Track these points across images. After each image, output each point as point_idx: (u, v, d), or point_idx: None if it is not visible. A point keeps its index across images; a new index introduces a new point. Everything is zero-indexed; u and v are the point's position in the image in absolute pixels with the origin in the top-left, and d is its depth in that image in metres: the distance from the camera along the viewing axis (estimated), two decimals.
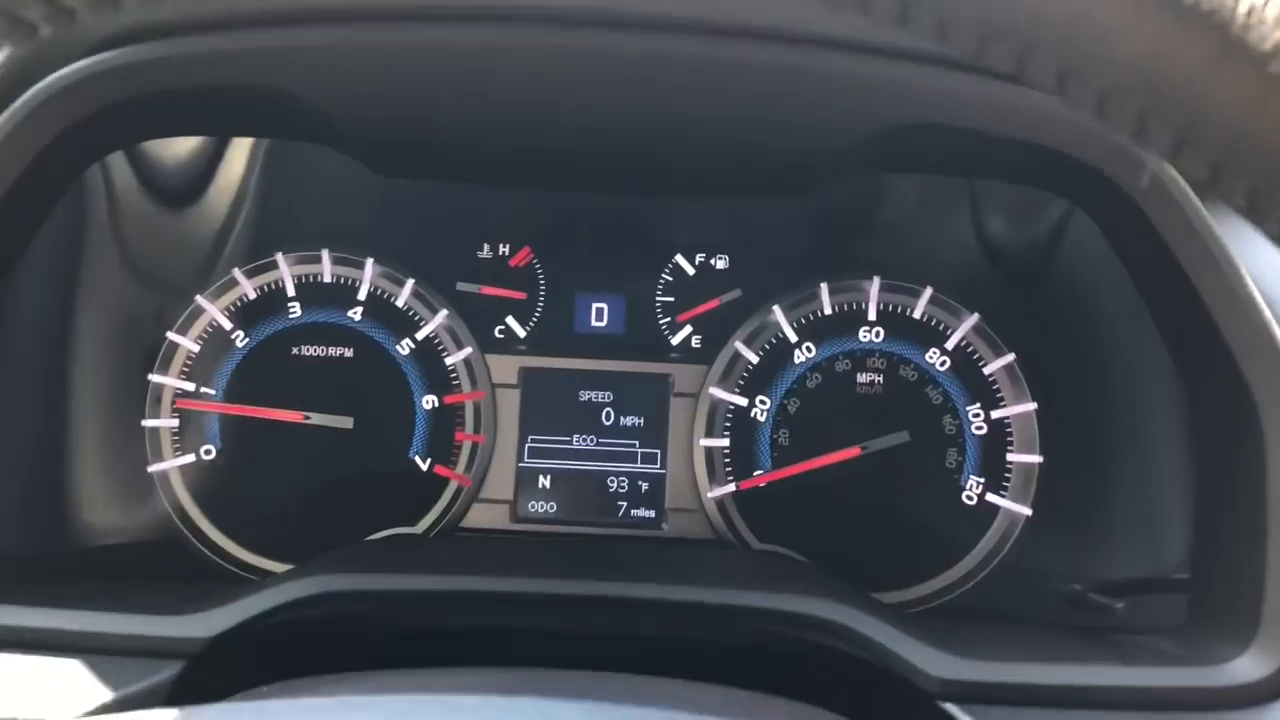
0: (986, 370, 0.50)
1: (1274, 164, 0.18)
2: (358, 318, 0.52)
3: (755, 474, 0.51)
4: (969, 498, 0.50)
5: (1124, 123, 0.18)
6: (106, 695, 0.33)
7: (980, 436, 0.51)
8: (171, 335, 0.51)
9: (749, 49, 0.34)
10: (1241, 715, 0.35)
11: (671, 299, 0.52)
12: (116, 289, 0.49)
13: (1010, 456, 0.50)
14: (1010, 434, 0.50)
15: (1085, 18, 0.17)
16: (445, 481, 0.51)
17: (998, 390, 0.50)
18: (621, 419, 0.52)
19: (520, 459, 0.52)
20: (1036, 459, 0.50)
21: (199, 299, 0.51)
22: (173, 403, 0.51)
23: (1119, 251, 0.41)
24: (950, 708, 0.35)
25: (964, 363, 0.51)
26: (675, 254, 0.52)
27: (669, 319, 0.52)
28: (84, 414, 0.48)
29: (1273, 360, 0.33)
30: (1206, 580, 0.41)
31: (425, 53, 0.37)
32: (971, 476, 0.50)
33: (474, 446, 0.52)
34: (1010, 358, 0.50)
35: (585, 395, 0.52)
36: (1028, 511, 0.50)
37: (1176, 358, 0.41)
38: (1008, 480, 0.50)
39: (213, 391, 0.51)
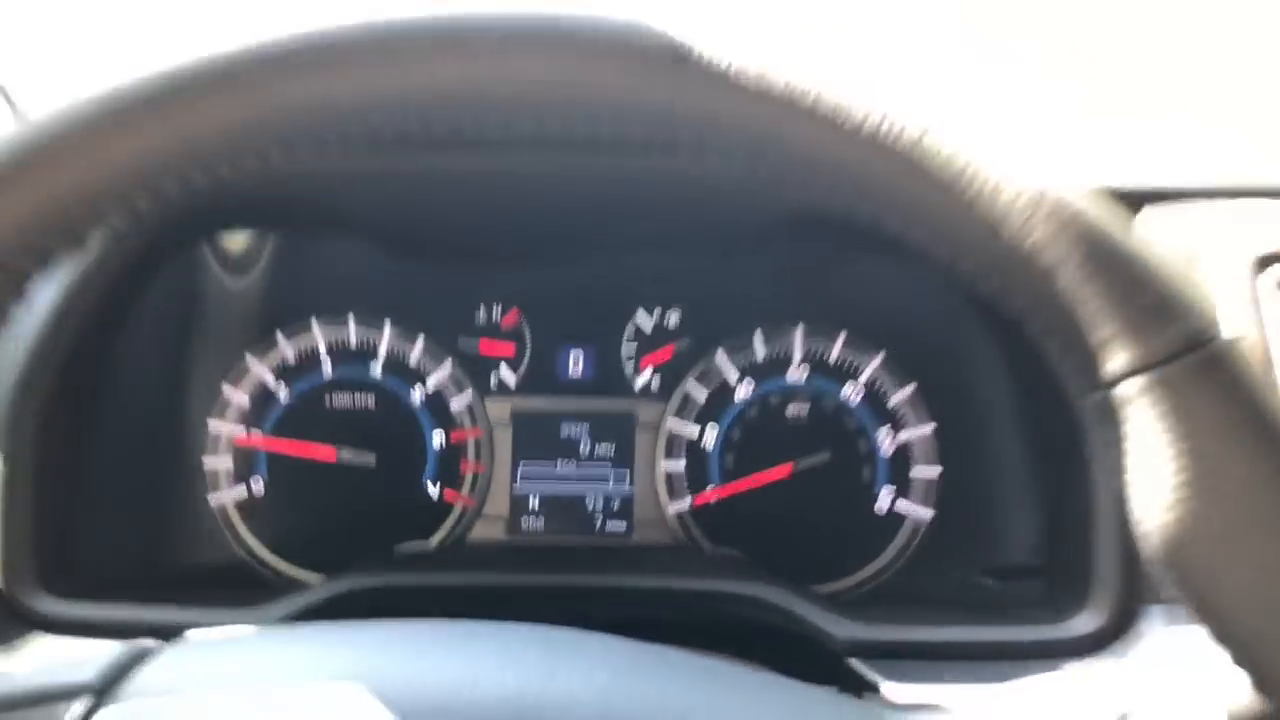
0: (892, 400, 0.62)
1: (920, 214, 0.25)
2: (378, 372, 0.64)
3: (707, 490, 0.63)
4: (881, 506, 0.62)
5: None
6: None
7: (888, 457, 0.62)
8: (225, 387, 0.63)
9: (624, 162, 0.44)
10: (1079, 660, 0.46)
11: (634, 346, 0.64)
12: (189, 344, 0.61)
13: (913, 471, 0.62)
14: (913, 451, 0.62)
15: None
16: (451, 506, 0.63)
17: (902, 415, 0.62)
18: (596, 448, 0.64)
19: (514, 483, 0.64)
20: (936, 471, 0.61)
21: (248, 357, 0.63)
22: (228, 444, 0.63)
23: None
24: (853, 662, 0.46)
25: (873, 394, 0.63)
26: (637, 309, 0.64)
27: (632, 364, 0.64)
28: (159, 453, 0.61)
29: None
30: (1056, 561, 0.53)
31: (467, 175, 0.50)
32: (883, 488, 0.62)
33: (475, 475, 0.63)
34: (911, 388, 0.62)
35: (566, 430, 0.64)
36: (930, 514, 0.61)
37: (1020, 380, 0.53)
38: (911, 490, 0.62)
39: (260, 434, 0.63)
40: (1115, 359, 0.27)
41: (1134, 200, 0.60)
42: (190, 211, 0.48)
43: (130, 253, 0.52)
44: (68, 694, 0.26)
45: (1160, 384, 0.26)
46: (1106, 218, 0.27)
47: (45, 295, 0.51)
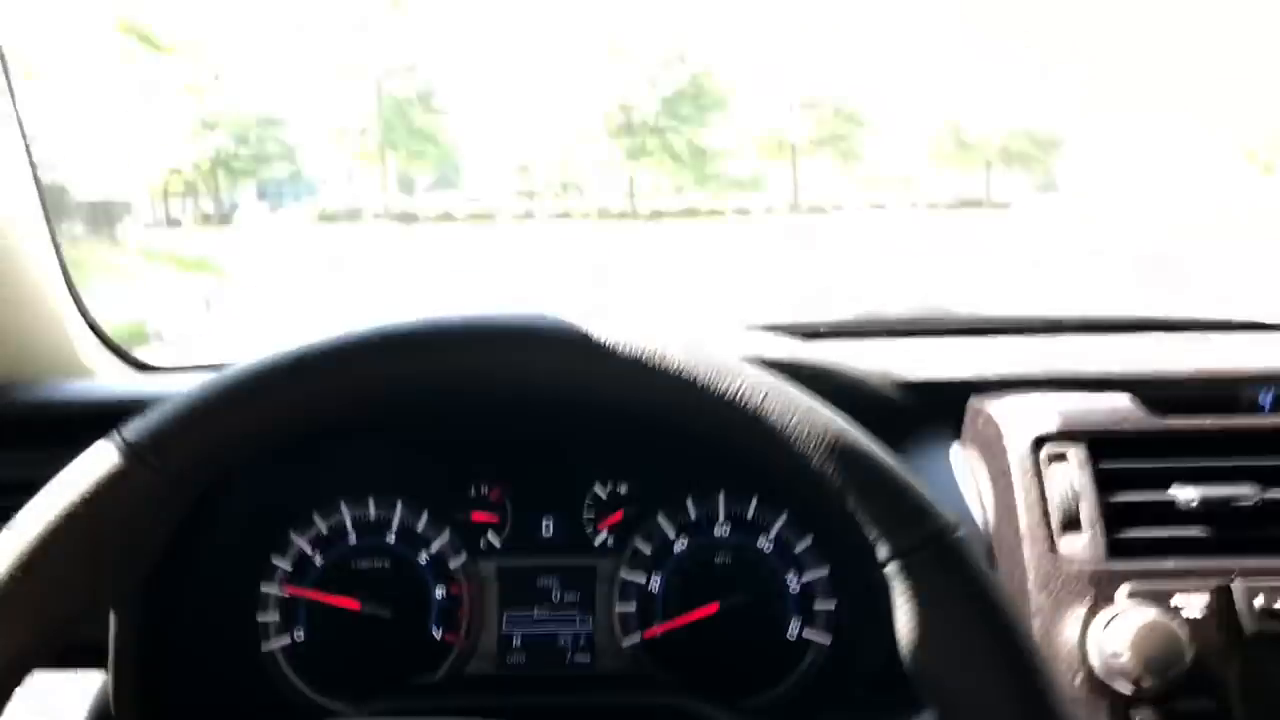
0: (796, 549, 0.80)
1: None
2: (393, 540, 0.82)
3: (654, 625, 0.80)
4: (791, 634, 0.79)
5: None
6: None
7: (795, 594, 0.80)
8: (274, 557, 0.81)
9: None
10: None
11: (593, 515, 0.82)
12: (246, 525, 0.80)
13: (816, 605, 0.79)
14: (815, 590, 0.80)
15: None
16: (451, 645, 0.81)
17: (804, 560, 0.80)
18: (565, 596, 0.81)
19: (500, 628, 0.81)
20: (831, 605, 0.79)
21: (291, 533, 0.81)
22: (275, 602, 0.81)
23: None
24: None
25: (781, 545, 0.81)
26: (594, 483, 0.83)
27: (592, 526, 0.82)
28: (225, 612, 0.78)
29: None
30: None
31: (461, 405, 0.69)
32: (792, 619, 0.79)
33: (470, 621, 0.81)
34: (810, 538, 0.80)
35: (541, 582, 0.81)
36: (828, 640, 0.79)
37: None
38: (815, 621, 0.79)
39: (301, 596, 0.81)
40: (881, 548, 0.44)
41: (962, 390, 0.80)
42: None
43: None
44: None
45: (909, 567, 0.44)
46: (865, 443, 0.46)
47: None
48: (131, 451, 0.46)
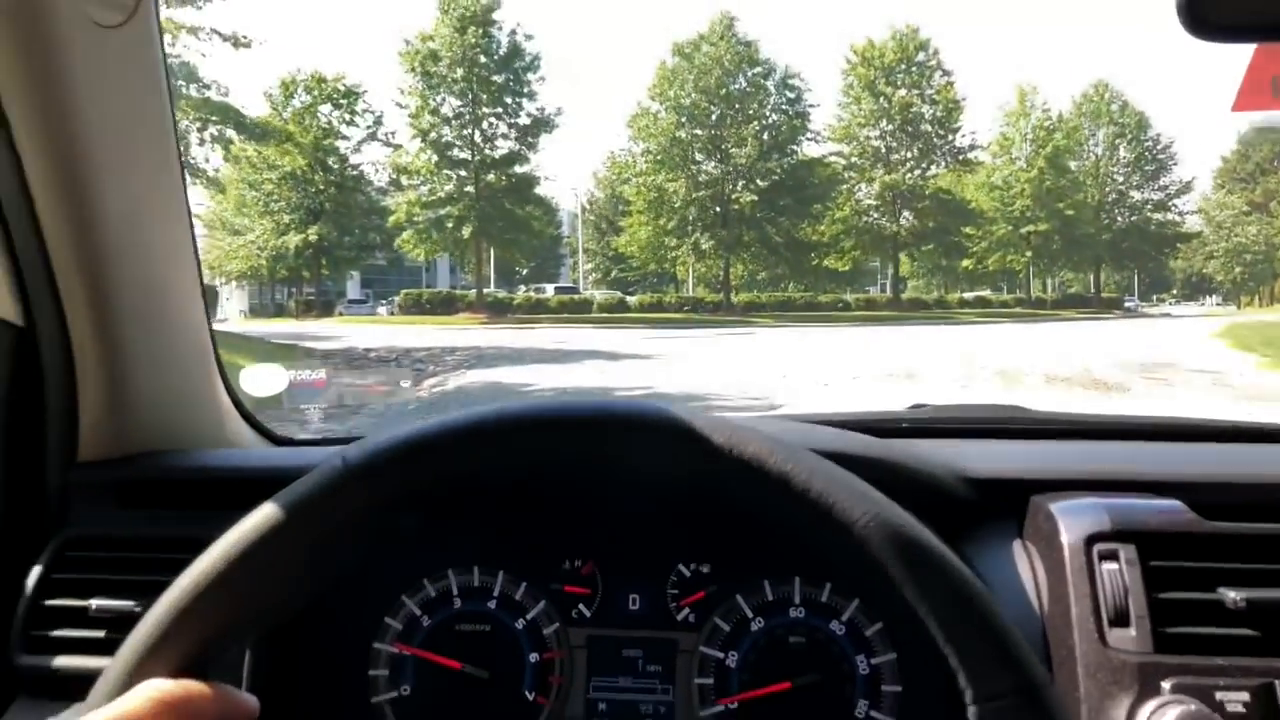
0: (866, 634, 0.88)
1: None
2: (494, 606, 0.93)
3: (730, 697, 0.89)
4: (860, 714, 0.86)
5: None
6: None
7: (864, 675, 0.87)
8: (387, 619, 0.93)
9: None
10: None
11: (676, 591, 0.92)
12: (360, 589, 0.93)
13: (883, 687, 0.87)
14: (883, 673, 0.87)
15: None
16: (542, 707, 0.91)
17: (874, 645, 0.88)
18: (648, 667, 0.90)
19: (587, 693, 0.91)
20: (898, 689, 0.86)
21: (403, 597, 0.94)
22: (386, 659, 0.93)
23: None
24: None
25: (852, 629, 0.88)
26: (678, 563, 0.93)
27: (675, 604, 0.92)
28: (340, 667, 0.91)
29: None
30: None
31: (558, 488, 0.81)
32: (860, 701, 0.86)
33: (560, 686, 0.91)
34: (879, 625, 0.88)
35: (626, 653, 0.91)
36: None
37: None
38: (882, 703, 0.86)
39: (409, 654, 0.93)
40: (970, 688, 0.51)
41: (1025, 488, 0.88)
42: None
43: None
44: None
45: (997, 713, 0.50)
46: (972, 582, 0.54)
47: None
48: (349, 471, 0.56)
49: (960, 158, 34.32)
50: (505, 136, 30.33)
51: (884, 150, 33.38)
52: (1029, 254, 34.59)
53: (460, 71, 29.21)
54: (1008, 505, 0.88)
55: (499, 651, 0.92)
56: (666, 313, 28.45)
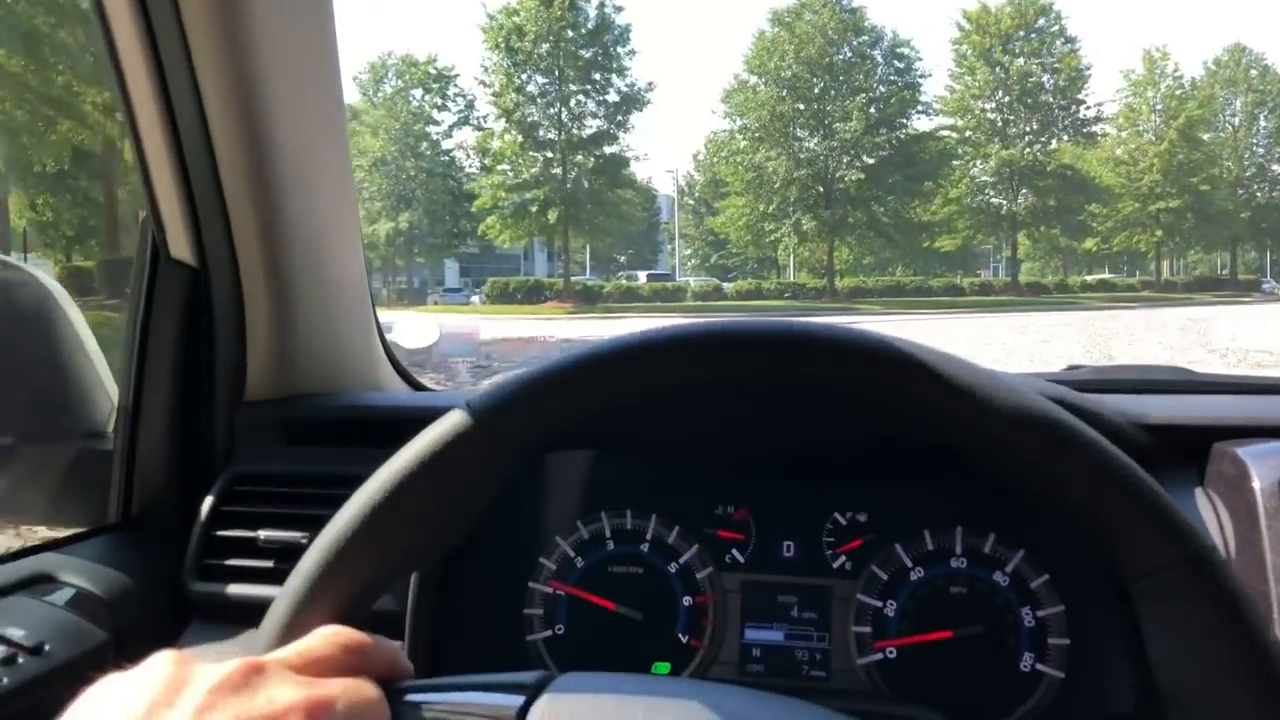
0: (1032, 585, 0.89)
1: None
2: (646, 549, 0.97)
3: (888, 641, 0.91)
4: (1025, 666, 0.86)
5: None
6: None
7: (1030, 628, 0.88)
8: (541, 559, 0.99)
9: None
10: None
11: (832, 539, 0.94)
12: (519, 528, 0.98)
13: (1050, 640, 0.87)
14: (1050, 626, 0.87)
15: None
16: (696, 650, 0.94)
17: (1040, 597, 0.88)
18: (803, 614, 0.93)
19: (742, 638, 0.94)
20: (1066, 641, 0.86)
21: (556, 538, 0.99)
22: (541, 599, 0.98)
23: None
24: None
25: (1017, 580, 0.89)
26: (833, 512, 0.95)
27: (831, 552, 0.94)
28: (497, 604, 0.96)
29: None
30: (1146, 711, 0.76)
31: (723, 419, 0.84)
32: (1025, 653, 0.87)
33: (714, 629, 0.94)
34: (1045, 577, 0.88)
35: (781, 599, 0.93)
36: (1061, 675, 0.85)
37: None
38: (1048, 656, 0.86)
39: (563, 594, 0.98)
40: (1138, 562, 0.52)
41: (1206, 435, 0.87)
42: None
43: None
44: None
45: (1170, 583, 0.51)
46: (1127, 460, 0.55)
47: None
48: (476, 418, 0.59)
49: (1084, 130, 32.68)
50: (594, 115, 29.89)
51: (1000, 124, 32.02)
52: (1159, 233, 32.83)
53: (546, 47, 28.83)
54: (1189, 453, 0.87)
55: (652, 594, 0.96)
56: (766, 299, 28.11)
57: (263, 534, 0.99)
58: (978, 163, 32.39)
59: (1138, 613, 0.55)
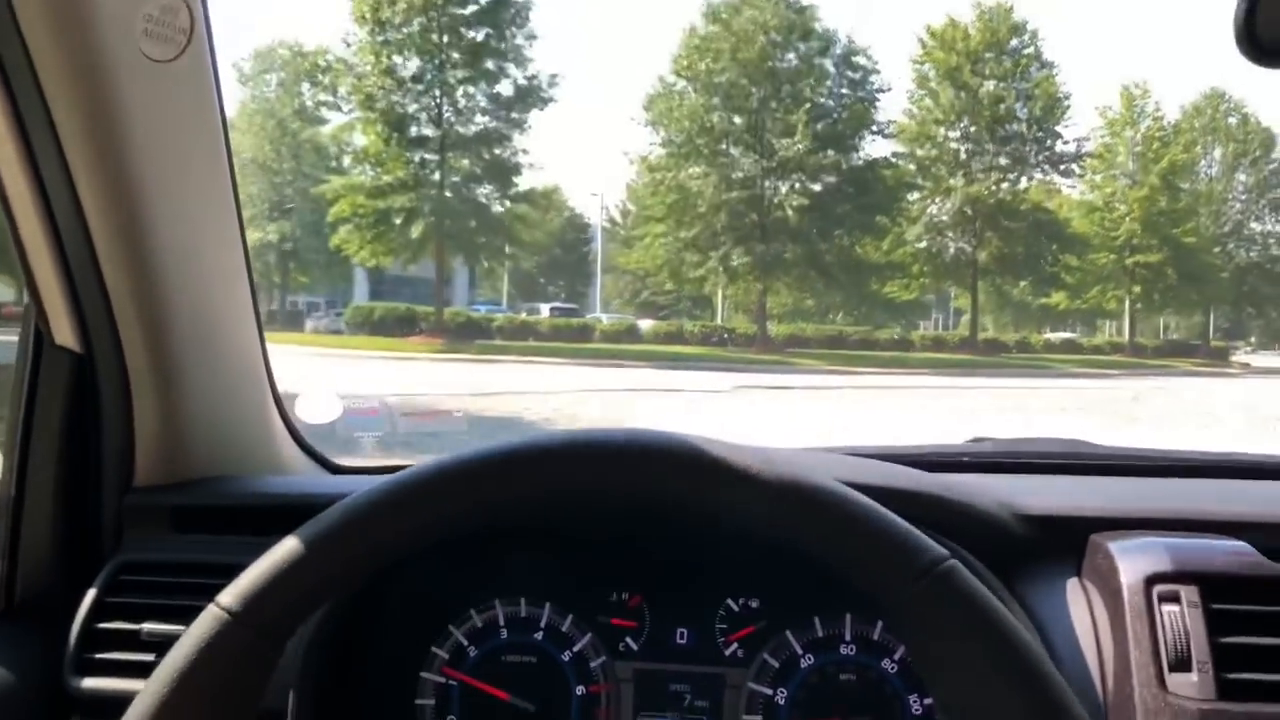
0: (920, 673, 1.11)
1: None
2: (540, 637, 1.16)
3: None
4: None
5: None
6: None
7: (917, 715, 1.09)
8: (434, 648, 1.16)
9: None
10: None
11: (725, 626, 1.15)
12: (409, 620, 1.16)
13: None
14: (934, 712, 1.09)
15: None
16: None
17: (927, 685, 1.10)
18: (696, 702, 1.12)
19: None
20: None
21: (450, 627, 1.17)
22: (433, 689, 1.16)
23: None
24: None
25: (904, 668, 1.11)
26: (726, 599, 1.16)
27: (723, 639, 1.15)
28: (388, 694, 1.14)
29: None
30: None
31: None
32: None
33: (607, 718, 1.14)
34: None
35: (673, 687, 1.13)
36: None
37: None
38: None
39: (455, 683, 1.16)
40: (885, 588, 0.67)
41: (1084, 526, 1.10)
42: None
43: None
44: None
45: (915, 599, 0.65)
46: (846, 492, 0.69)
47: None
48: (227, 615, 0.66)
49: (1060, 167, 33.86)
50: (484, 111, 28.63)
51: (965, 155, 32.85)
52: (1136, 289, 34.20)
53: (421, 21, 27.14)
54: (1066, 544, 1.08)
55: (546, 683, 1.15)
56: (686, 345, 28.27)
57: (146, 627, 1.15)
58: (936, 199, 33.04)
59: (902, 641, 0.73)
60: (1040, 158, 33.34)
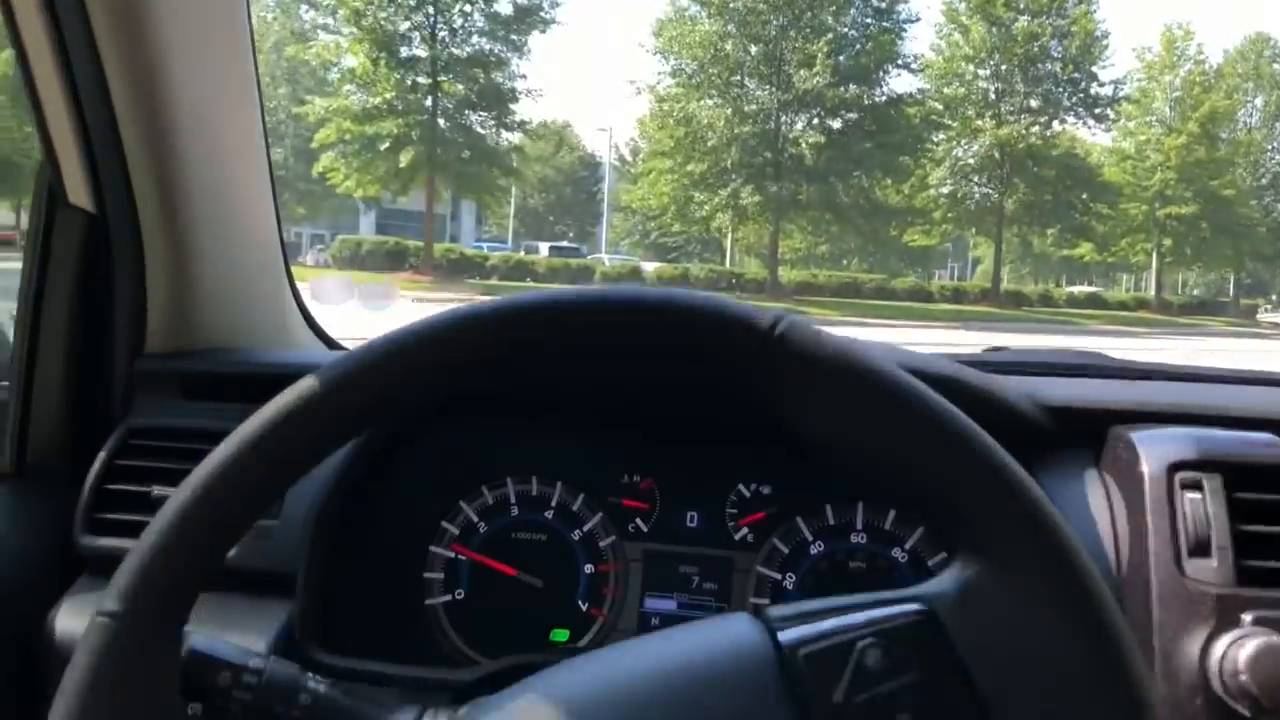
0: (930, 563, 1.17)
1: None
2: (550, 516, 1.23)
3: None
4: None
5: None
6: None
7: None
8: (444, 523, 1.23)
9: None
10: None
11: (735, 511, 1.21)
12: (421, 493, 1.22)
13: None
14: None
15: None
16: (595, 619, 1.20)
17: (937, 574, 1.16)
18: (703, 584, 1.19)
19: (641, 606, 1.20)
20: None
21: (460, 503, 1.24)
22: (442, 563, 1.22)
23: None
24: None
25: (915, 557, 1.17)
26: (738, 483, 1.22)
27: (733, 524, 1.21)
28: (396, 568, 1.21)
29: None
30: None
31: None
32: None
33: (613, 598, 1.20)
34: (943, 555, 1.17)
35: (681, 569, 1.19)
36: None
37: None
38: None
39: (465, 558, 1.23)
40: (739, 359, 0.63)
41: (1104, 418, 1.15)
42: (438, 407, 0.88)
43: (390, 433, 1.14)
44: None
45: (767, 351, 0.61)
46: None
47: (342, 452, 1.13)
48: (109, 620, 0.62)
49: (1095, 111, 33.50)
50: (482, 32, 27.85)
51: (995, 95, 32.55)
52: (1167, 242, 33.87)
53: None
54: (1086, 435, 1.10)
55: (554, 561, 1.22)
56: (691, 289, 28.04)
57: (155, 490, 1.21)
58: (963, 141, 32.73)
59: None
60: (1074, 100, 32.91)
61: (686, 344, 0.65)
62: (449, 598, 1.22)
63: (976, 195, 32.57)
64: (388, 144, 26.10)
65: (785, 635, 0.64)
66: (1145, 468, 0.98)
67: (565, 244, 37.49)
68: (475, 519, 1.23)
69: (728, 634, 0.67)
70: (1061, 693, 0.61)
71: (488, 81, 27.91)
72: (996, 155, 31.65)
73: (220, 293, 1.37)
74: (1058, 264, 39.18)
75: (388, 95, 26.40)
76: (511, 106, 28.76)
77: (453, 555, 1.22)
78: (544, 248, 34.12)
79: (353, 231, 34.09)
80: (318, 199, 32.73)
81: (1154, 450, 0.99)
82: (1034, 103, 32.36)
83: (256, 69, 1.33)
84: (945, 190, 32.32)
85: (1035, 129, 32.07)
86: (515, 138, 29.62)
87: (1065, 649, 0.61)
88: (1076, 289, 37.75)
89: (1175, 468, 0.96)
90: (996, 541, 0.64)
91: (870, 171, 30.72)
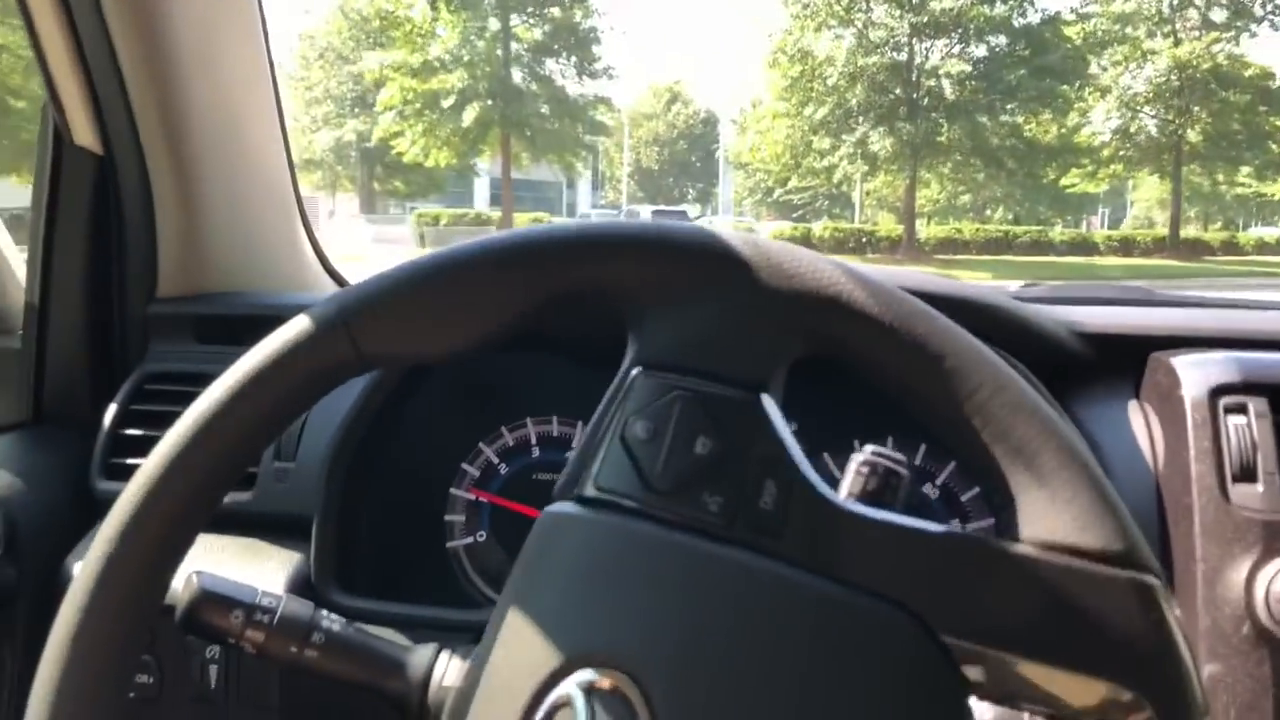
0: (962, 499, 1.29)
1: None
2: (569, 456, 1.37)
3: None
4: None
5: None
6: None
7: None
8: (464, 465, 1.39)
9: None
10: None
11: None
12: (440, 432, 1.38)
13: None
14: None
15: None
16: None
17: (970, 510, 1.28)
18: None
19: None
20: None
21: (480, 444, 1.39)
22: (463, 505, 1.38)
23: None
24: None
25: (947, 493, 1.29)
26: None
27: None
28: (416, 509, 1.36)
29: None
30: None
31: None
32: None
33: None
34: (976, 490, 1.28)
35: None
36: None
37: None
38: None
39: (485, 501, 1.38)
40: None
41: (1143, 345, 1.25)
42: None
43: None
44: None
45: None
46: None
47: (360, 385, 1.28)
48: (330, 324, 0.71)
49: None
50: None
51: (1171, 8, 31.41)
52: None
53: None
54: (1126, 363, 1.17)
55: None
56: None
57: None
58: (1133, 66, 31.51)
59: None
60: (1268, 9, 31.41)
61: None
62: (470, 540, 1.36)
63: (1151, 128, 31.22)
64: (451, 100, 25.63)
65: None
66: (1187, 392, 1.04)
67: (669, 207, 37.37)
68: (496, 460, 1.37)
69: None
70: None
71: (564, 19, 27.34)
72: (1174, 80, 30.32)
73: (232, 234, 1.52)
74: (1233, 203, 37.69)
75: (452, 42, 25.99)
76: (593, 50, 28.05)
77: (473, 498, 1.37)
78: (646, 211, 34.09)
79: (468, 205, 34.11)
80: (417, 171, 32.59)
81: (1196, 374, 1.05)
82: (1218, 16, 30.95)
83: (261, 7, 1.48)
84: (1113, 124, 31.03)
85: (1221, 47, 30.74)
86: (600, 85, 28.69)
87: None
88: (1266, 232, 36.22)
89: (1218, 391, 1.02)
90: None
91: (1025, 105, 29.34)
